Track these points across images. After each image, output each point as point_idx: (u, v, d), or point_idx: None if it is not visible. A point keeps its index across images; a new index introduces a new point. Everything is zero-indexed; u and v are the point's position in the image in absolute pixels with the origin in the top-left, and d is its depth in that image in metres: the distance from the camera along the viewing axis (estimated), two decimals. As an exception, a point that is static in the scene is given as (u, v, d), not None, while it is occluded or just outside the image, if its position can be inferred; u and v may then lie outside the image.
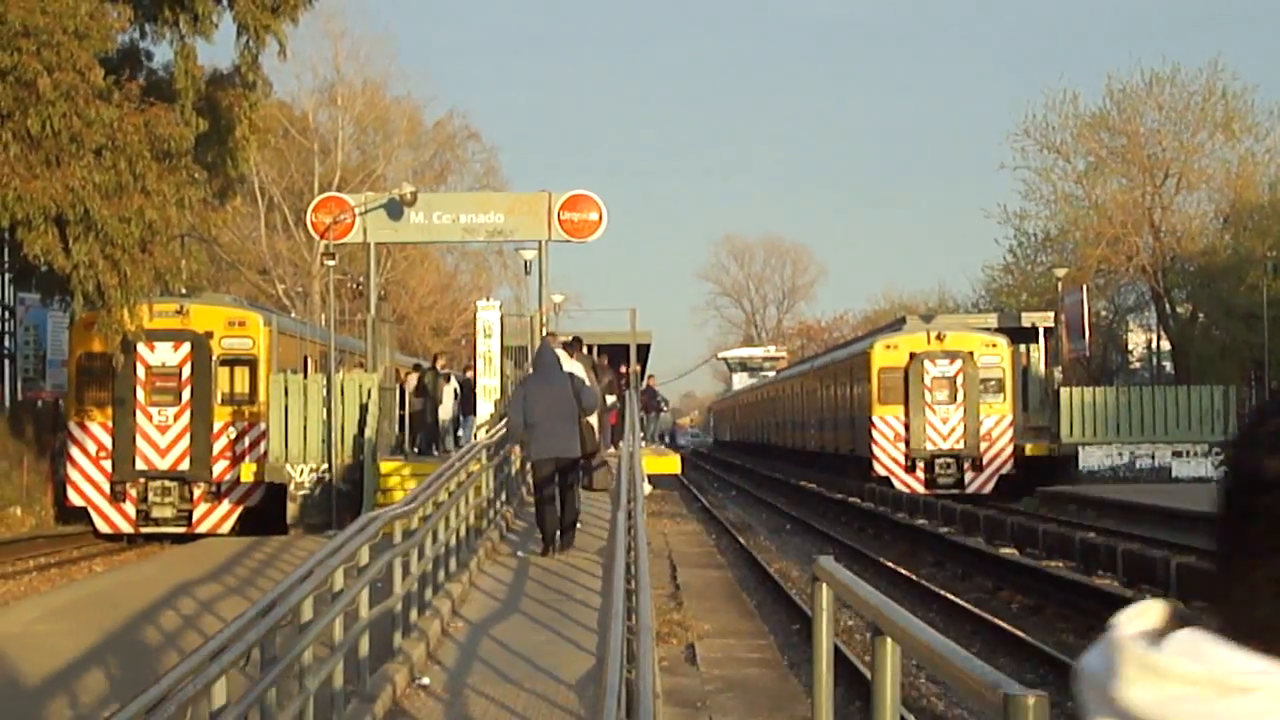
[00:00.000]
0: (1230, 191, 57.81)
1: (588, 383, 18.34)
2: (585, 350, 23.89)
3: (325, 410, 28.74)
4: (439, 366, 34.10)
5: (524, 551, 18.14)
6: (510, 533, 20.42)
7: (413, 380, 34.08)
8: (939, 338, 40.81)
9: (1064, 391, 41.64)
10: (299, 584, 8.99)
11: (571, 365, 18.09)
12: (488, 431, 22.81)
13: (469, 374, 32.22)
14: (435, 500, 14.64)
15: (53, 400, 36.21)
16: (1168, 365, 63.72)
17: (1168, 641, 1.26)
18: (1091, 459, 40.23)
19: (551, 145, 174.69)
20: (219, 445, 30.16)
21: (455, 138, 69.69)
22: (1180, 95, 57.89)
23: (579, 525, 18.23)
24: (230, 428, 30.27)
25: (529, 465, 19.07)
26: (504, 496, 21.55)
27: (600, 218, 33.03)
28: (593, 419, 19.56)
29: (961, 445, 40.17)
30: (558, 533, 17.42)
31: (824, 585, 5.63)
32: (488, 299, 35.79)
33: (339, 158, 59.13)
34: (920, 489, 39.29)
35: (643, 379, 39.99)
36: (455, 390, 31.95)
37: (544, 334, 24.20)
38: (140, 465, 29.85)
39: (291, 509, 28.66)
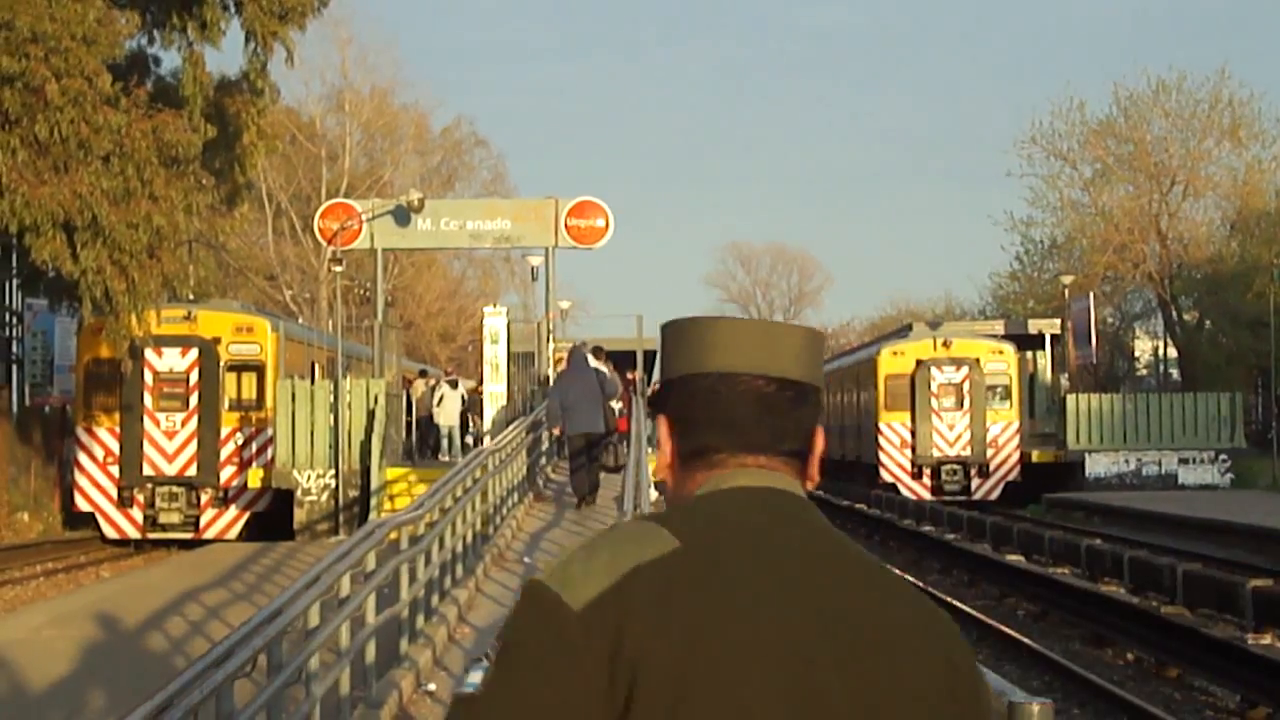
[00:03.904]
0: (1237, 199, 57.74)
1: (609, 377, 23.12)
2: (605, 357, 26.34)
3: (332, 416, 28.77)
4: (447, 373, 34.19)
5: (530, 558, 18.20)
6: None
7: (419, 386, 34.14)
8: (945, 344, 40.78)
9: (1070, 398, 41.59)
10: (305, 590, 9.00)
11: (596, 364, 22.63)
12: (492, 437, 23.13)
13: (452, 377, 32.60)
14: (442, 506, 14.66)
15: (60, 406, 36.26)
16: (1174, 372, 63.65)
17: None
18: (1098, 466, 40.19)
19: (559, 152, 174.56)
20: (226, 451, 30.18)
21: (463, 144, 69.81)
22: (1187, 102, 57.84)
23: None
24: (237, 433, 30.30)
25: (564, 440, 23.50)
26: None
27: (607, 224, 33.06)
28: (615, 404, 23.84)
29: (968, 452, 40.14)
30: (586, 492, 21.85)
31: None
32: (495, 305, 35.81)
33: (346, 164, 59.21)
34: (927, 495, 39.25)
35: (649, 385, 39.95)
36: (463, 396, 32.03)
37: (578, 342, 27.27)
38: (148, 471, 29.89)
39: (298, 515, 28.67)
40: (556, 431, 23.51)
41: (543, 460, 26.06)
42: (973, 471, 40.21)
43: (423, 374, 37.14)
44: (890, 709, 1.86)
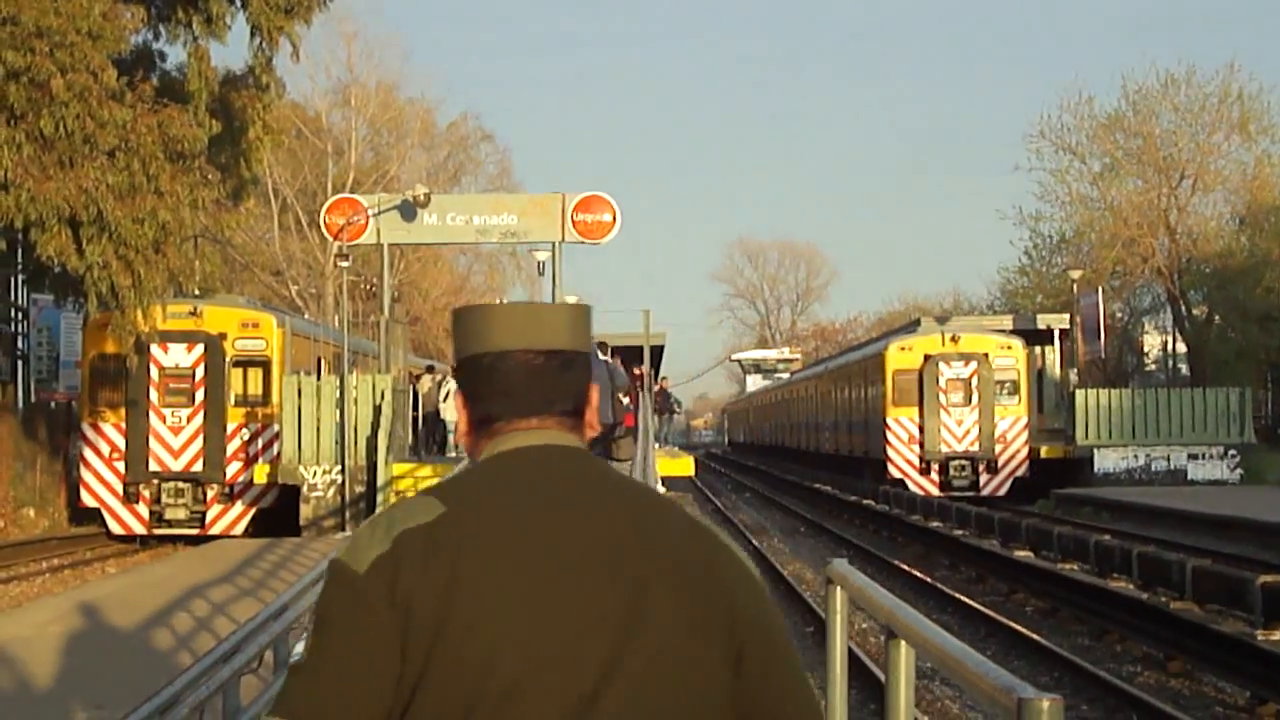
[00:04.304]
0: (1246, 193, 57.63)
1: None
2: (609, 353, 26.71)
3: (338, 412, 28.73)
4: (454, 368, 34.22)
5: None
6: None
7: (426, 382, 34.12)
8: (954, 339, 40.71)
9: (1079, 394, 41.50)
10: (312, 586, 8.95)
11: (604, 359, 22.62)
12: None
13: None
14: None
15: (66, 401, 36.26)
16: (1183, 367, 63.57)
17: None
18: (1107, 461, 40.11)
19: (565, 147, 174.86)
20: (232, 447, 30.15)
21: (469, 139, 69.74)
22: (1196, 96, 57.74)
23: None
24: (243, 429, 30.27)
25: None
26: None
27: (614, 219, 32.96)
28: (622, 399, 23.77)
29: (976, 447, 40.07)
30: None
31: (838, 588, 5.57)
32: (501, 301, 35.75)
33: (352, 159, 59.19)
34: (935, 491, 39.19)
35: (656, 381, 39.90)
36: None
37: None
38: (153, 466, 29.86)
39: (304, 510, 28.66)
40: None
41: None
42: (981, 467, 40.15)
43: (429, 369, 37.12)
44: (652, 616, 2.14)
